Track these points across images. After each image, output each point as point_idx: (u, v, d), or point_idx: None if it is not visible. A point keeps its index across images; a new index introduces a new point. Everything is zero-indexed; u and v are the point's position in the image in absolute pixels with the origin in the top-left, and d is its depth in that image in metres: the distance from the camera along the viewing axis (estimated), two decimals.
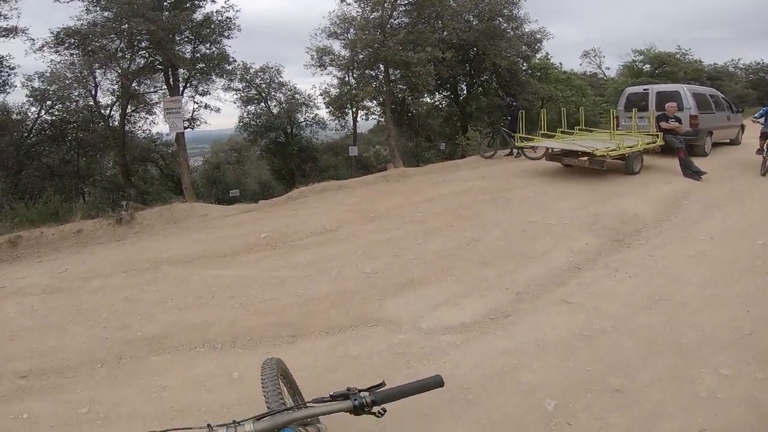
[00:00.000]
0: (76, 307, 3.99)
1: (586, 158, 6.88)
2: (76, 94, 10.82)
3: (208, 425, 0.86)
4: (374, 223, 5.60)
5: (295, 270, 4.45)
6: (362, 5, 11.23)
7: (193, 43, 10.54)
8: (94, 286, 4.47)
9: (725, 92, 12.99)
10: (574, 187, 6.57)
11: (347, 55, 12.03)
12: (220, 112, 12.45)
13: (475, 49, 12.65)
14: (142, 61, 10.34)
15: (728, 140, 9.99)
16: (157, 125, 12.59)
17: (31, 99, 10.61)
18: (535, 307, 3.47)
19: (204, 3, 10.20)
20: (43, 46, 9.17)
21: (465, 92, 14.44)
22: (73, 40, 9.09)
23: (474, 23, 12.49)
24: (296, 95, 13.77)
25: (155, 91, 11.61)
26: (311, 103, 14.00)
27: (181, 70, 10.46)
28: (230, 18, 10.49)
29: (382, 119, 13.34)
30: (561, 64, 17.69)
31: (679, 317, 3.15)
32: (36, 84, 10.45)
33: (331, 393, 0.91)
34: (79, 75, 10.05)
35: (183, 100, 10.67)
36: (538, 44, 13.78)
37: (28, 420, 2.61)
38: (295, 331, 3.37)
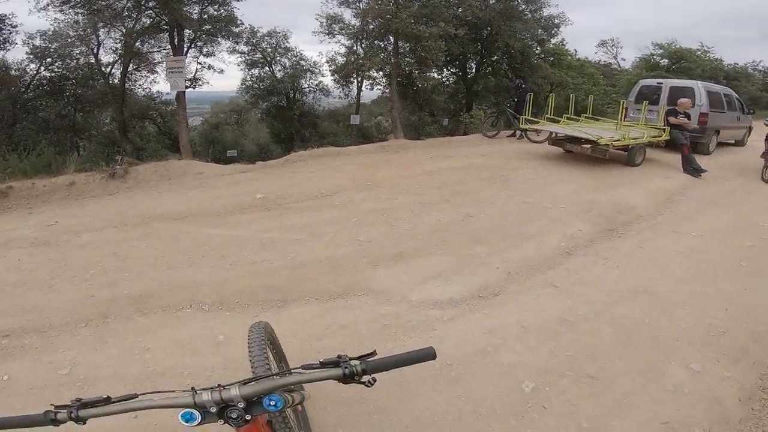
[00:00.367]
0: (63, 262, 3.93)
1: (589, 146, 6.85)
2: (77, 52, 10.55)
3: (192, 388, 0.83)
4: (371, 192, 5.56)
5: (288, 233, 4.42)
6: None
7: (201, 4, 10.17)
8: (83, 241, 4.42)
9: (740, 93, 12.80)
10: (574, 174, 6.55)
11: (357, 24, 11.66)
12: (223, 74, 12.29)
13: (489, 28, 12.27)
14: (148, 21, 10.04)
15: (734, 141, 9.93)
16: (158, 84, 12.41)
17: (31, 56, 10.40)
18: (523, 287, 3.50)
19: None
20: (47, 5, 8.92)
21: (474, 71, 14.15)
22: None
23: (491, 1, 12.06)
24: (302, 61, 13.53)
25: (159, 51, 11.36)
26: (316, 70, 13.78)
27: (187, 31, 10.17)
28: None
29: (387, 90, 13.11)
30: (576, 51, 17.43)
31: (659, 310, 3.19)
32: (37, 42, 10.23)
33: (321, 360, 0.88)
34: (82, 33, 9.79)
35: (186, 60, 10.47)
36: (556, 29, 13.42)
37: (8, 382, 2.54)
38: (284, 295, 3.36)
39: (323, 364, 0.88)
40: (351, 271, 3.68)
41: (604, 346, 2.78)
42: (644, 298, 3.34)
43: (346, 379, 0.85)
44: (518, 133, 9.49)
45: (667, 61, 20.00)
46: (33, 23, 20.58)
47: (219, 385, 0.84)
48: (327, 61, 13.04)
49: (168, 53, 10.59)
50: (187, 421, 0.80)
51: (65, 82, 11.14)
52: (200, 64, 11.60)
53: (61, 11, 9.16)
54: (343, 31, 11.96)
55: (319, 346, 2.73)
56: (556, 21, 13.07)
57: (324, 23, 11.98)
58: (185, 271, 3.73)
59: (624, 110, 8.38)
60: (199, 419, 0.81)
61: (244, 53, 12.76)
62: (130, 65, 11.18)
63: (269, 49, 13.13)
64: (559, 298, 3.34)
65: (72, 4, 8.96)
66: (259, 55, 13.09)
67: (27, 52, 10.29)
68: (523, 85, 9.92)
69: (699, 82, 9.18)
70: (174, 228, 4.64)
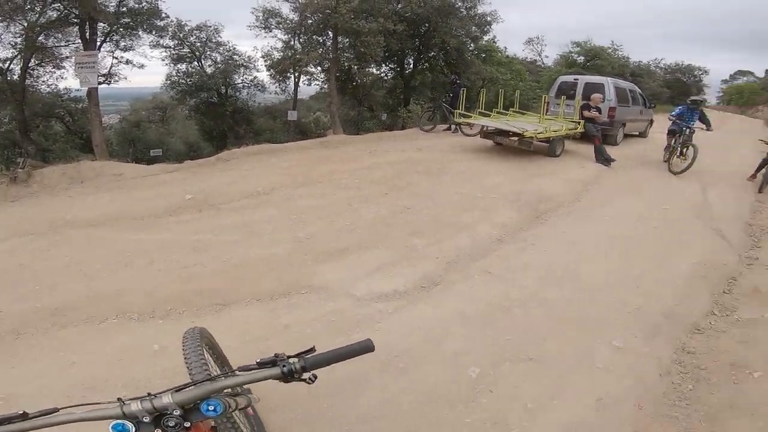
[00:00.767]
0: None
1: (516, 138, 7.29)
2: None
3: (119, 399, 0.78)
4: (309, 188, 5.48)
5: (223, 234, 4.23)
6: None
7: None
8: None
9: (643, 88, 14.32)
10: (503, 165, 6.96)
11: (296, 18, 11.36)
12: (144, 69, 11.32)
13: (427, 24, 12.58)
14: (55, 14, 8.97)
15: (638, 132, 11.14)
16: (66, 80, 11.15)
17: None
18: (461, 276, 3.64)
19: None
20: None
21: (411, 66, 14.42)
22: None
23: None
24: (235, 56, 12.97)
25: (67, 45, 10.14)
26: (251, 65, 13.31)
27: (101, 24, 9.22)
28: None
29: (326, 86, 12.93)
30: (505, 48, 18.37)
31: (583, 291, 3.45)
32: None
33: (258, 360, 0.86)
34: None
35: (100, 55, 9.60)
36: (488, 26, 14.02)
37: None
38: (222, 299, 3.22)
39: (260, 365, 0.86)
40: (292, 269, 3.62)
41: (538, 328, 2.97)
42: (569, 280, 3.62)
43: (286, 377, 0.84)
44: (453, 127, 9.80)
45: (583, 58, 21.89)
46: None
47: (149, 393, 0.80)
48: (262, 56, 12.58)
49: (78, 47, 9.57)
50: None
51: None
52: (116, 58, 10.64)
53: None
54: (281, 26, 11.61)
55: (264, 347, 2.65)
56: (489, 18, 13.66)
57: (260, 17, 11.56)
58: (106, 279, 3.44)
59: (546, 105, 9.00)
60: (133, 430, 0.77)
61: (170, 47, 11.97)
62: (32, 60, 9.95)
63: (198, 44, 12.44)
64: (494, 284, 3.52)
65: None
66: (186, 50, 12.34)
67: None
68: (458, 81, 10.23)
69: (609, 78, 10.08)
70: (89, 234, 4.23)
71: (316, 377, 0.87)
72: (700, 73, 32.39)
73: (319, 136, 10.59)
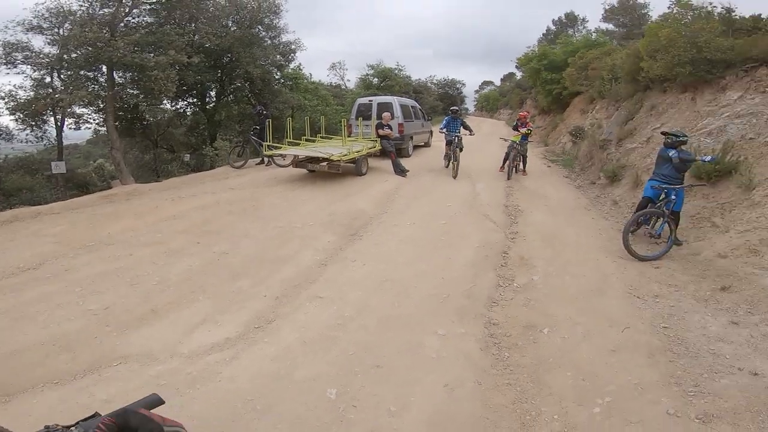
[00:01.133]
0: None
1: (325, 163, 7.75)
2: None
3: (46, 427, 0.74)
4: (96, 254, 4.62)
5: None
6: None
7: None
8: None
9: (423, 103, 17.08)
10: (317, 191, 7.31)
11: (54, 52, 9.24)
12: None
13: (229, 55, 12.08)
14: None
15: (423, 143, 13.33)
16: None
17: None
18: (293, 307, 3.69)
19: None
20: None
21: (214, 99, 13.55)
22: None
23: (232, 29, 11.96)
24: None
25: None
26: None
27: None
28: None
29: (103, 128, 10.92)
30: (311, 74, 19.23)
31: (400, 293, 3.87)
32: None
33: (48, 425, 0.79)
34: None
35: None
36: (293, 54, 14.38)
37: None
38: (3, 391, 2.57)
39: (66, 427, 0.81)
40: (92, 345, 3.08)
41: (374, 336, 3.21)
42: (388, 286, 4.01)
43: None
44: (266, 160, 9.71)
45: (377, 80, 24.81)
46: None
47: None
48: (2, 97, 9.76)
49: None
50: None
51: None
52: None
53: None
54: (30, 61, 9.28)
55: None
56: (293, 47, 14.07)
57: (0, 52, 8.99)
58: None
59: (348, 127, 9.78)
60: None
61: None
62: None
63: None
64: (326, 306, 3.67)
65: None
66: None
67: None
68: (264, 111, 10.03)
69: (395, 97, 11.60)
70: None
71: None
72: (461, 85, 41.14)
73: (103, 189, 8.90)
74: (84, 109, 10.41)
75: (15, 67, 9.39)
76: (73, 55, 9.37)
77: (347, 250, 5.02)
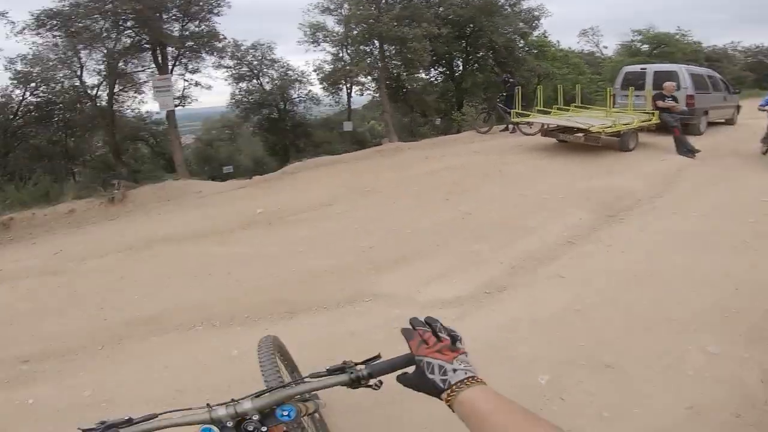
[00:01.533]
0: (73, 289, 3.96)
1: (581, 135, 6.92)
2: (60, 75, 10.50)
3: (207, 404, 0.83)
4: (369, 198, 5.60)
5: (290, 246, 4.44)
6: None
7: (181, 21, 10.21)
8: (89, 267, 4.46)
9: (723, 74, 12.90)
10: (569, 163, 6.58)
11: (341, 30, 11.75)
12: (212, 90, 12.30)
13: (471, 25, 12.43)
14: (129, 41, 10.04)
15: (724, 120, 10.02)
16: (147, 104, 12.37)
17: (15, 81, 10.28)
18: (529, 281, 3.49)
19: None
20: (23, 29, 8.96)
21: (461, 68, 14.22)
22: (54, 22, 8.86)
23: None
24: (289, 71, 13.59)
25: (143, 70, 11.32)
26: (304, 80, 13.84)
27: (169, 48, 10.17)
28: None
29: (377, 95, 13.14)
30: (558, 41, 17.51)
31: (669, 294, 3.15)
32: (19, 67, 10.12)
33: (328, 367, 0.88)
34: (63, 56, 9.79)
35: (172, 78, 10.46)
36: (536, 21, 13.65)
37: (33, 406, 2.57)
38: (292, 307, 3.37)
39: (330, 371, 0.88)
40: (356, 279, 3.70)
41: (617, 333, 2.75)
42: (653, 282, 3.31)
43: (353, 384, 0.85)
44: (511, 127, 9.50)
45: (647, 46, 20.17)
46: (12, 47, 19.61)
47: (233, 399, 0.85)
48: (314, 70, 13.12)
49: (153, 72, 10.58)
50: None
51: (52, 106, 11.05)
52: (187, 81, 11.62)
53: (38, 34, 9.19)
54: (328, 39, 12.05)
55: (331, 354, 2.67)
56: (536, 13, 13.25)
57: (308, 32, 12.08)
58: (194, 290, 3.75)
59: (611, 97, 8.45)
60: None
61: (230, 68, 12.79)
62: (116, 86, 11.11)
63: (255, 62, 13.15)
64: (566, 288, 3.32)
65: (48, 27, 8.98)
66: (245, 69, 13.11)
67: (10, 77, 10.21)
68: (511, 79, 9.95)
69: (682, 65, 9.31)
70: (178, 249, 4.67)
71: (381, 383, 0.87)
72: None
73: (375, 145, 10.79)
74: (364, 79, 12.80)
75: (318, 45, 12.29)
76: (354, 32, 11.40)
77: (602, 232, 4.33)
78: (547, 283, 3.42)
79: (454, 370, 0.68)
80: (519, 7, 13.02)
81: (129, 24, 9.55)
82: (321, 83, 13.23)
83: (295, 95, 13.93)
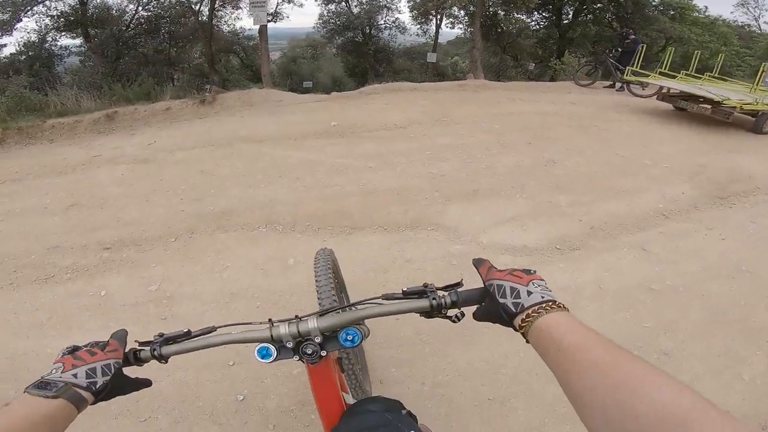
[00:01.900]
0: (159, 178, 4.26)
1: (709, 106, 5.95)
2: None
3: (270, 320, 0.76)
4: (446, 128, 5.31)
5: (361, 160, 4.41)
6: None
7: None
8: (176, 158, 4.78)
9: None
10: (682, 133, 5.70)
11: None
12: (303, 8, 12.51)
13: None
14: None
15: None
16: (241, 20, 13.35)
17: None
18: (607, 246, 3.16)
19: None
20: None
21: (570, 17, 13.01)
22: None
23: None
24: None
25: None
26: (393, 6, 13.61)
27: None
28: None
29: (469, 30, 12.21)
30: (706, 7, 14.93)
31: (759, 294, 2.73)
32: None
33: (404, 289, 0.76)
34: None
35: None
36: None
37: (105, 297, 2.67)
38: (353, 222, 3.36)
39: (407, 294, 0.76)
40: (422, 204, 3.58)
41: (687, 322, 2.47)
42: (745, 279, 2.87)
43: (432, 312, 0.74)
44: (618, 85, 8.65)
45: None
46: None
47: (296, 316, 0.76)
48: None
49: None
50: (263, 357, 0.74)
51: (160, 20, 12.29)
52: None
53: None
54: None
55: (383, 278, 2.71)
56: None
57: None
58: (263, 190, 3.89)
59: (761, 74, 7.08)
60: (275, 355, 0.74)
61: None
62: (217, 2, 11.81)
63: None
64: (647, 263, 2.98)
65: None
66: None
67: None
68: (632, 36, 8.86)
69: None
70: (255, 149, 4.84)
71: (463, 315, 0.74)
72: None
73: (456, 80, 10.16)
74: (458, 12, 11.88)
75: None
76: None
77: (705, 213, 3.75)
78: (627, 254, 3.08)
79: (529, 293, 0.59)
80: None
81: None
82: (411, 11, 12.66)
83: (381, 21, 13.83)
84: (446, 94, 7.04)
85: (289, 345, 0.74)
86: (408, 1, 12.58)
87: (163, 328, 2.05)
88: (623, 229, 3.39)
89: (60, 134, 6.07)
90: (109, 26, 11.54)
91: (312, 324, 0.74)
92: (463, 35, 14.37)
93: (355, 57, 14.02)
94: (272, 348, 0.74)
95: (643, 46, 7.82)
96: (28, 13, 10.61)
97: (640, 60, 7.53)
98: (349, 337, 0.75)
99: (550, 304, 0.56)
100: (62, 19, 11.00)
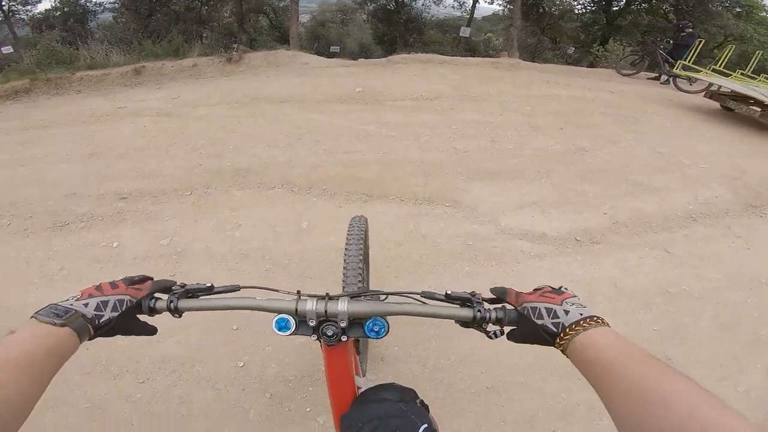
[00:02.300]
0: (181, 131, 4.26)
1: (758, 109, 5.63)
2: None
3: (298, 292, 0.71)
4: (474, 104, 5.15)
5: (383, 128, 4.32)
6: None
7: None
8: (199, 114, 4.78)
9: None
10: (726, 134, 5.38)
11: None
12: None
13: None
14: None
15: None
16: None
17: None
18: (629, 243, 3.03)
19: None
20: None
21: (623, 4, 12.46)
22: None
23: None
24: None
25: None
26: None
27: None
28: None
29: (509, 6, 11.66)
30: None
31: None
32: None
33: (448, 292, 0.70)
34: None
35: None
36: None
37: (116, 249, 2.65)
38: (370, 190, 3.30)
39: (449, 298, 0.70)
40: (442, 179, 3.49)
41: (697, 329, 2.39)
42: (764, 291, 2.73)
43: (472, 323, 0.67)
44: (664, 77, 8.29)
45: None
46: None
47: (327, 294, 0.70)
48: None
49: None
50: (280, 329, 0.69)
51: None
52: None
53: None
54: None
55: (396, 252, 2.66)
56: None
57: None
58: (282, 151, 3.84)
59: None
60: (293, 329, 0.69)
61: None
62: None
63: None
64: (668, 265, 2.86)
65: None
66: None
67: None
68: (689, 29, 8.43)
69: None
70: (277, 110, 4.79)
71: (503, 333, 0.68)
72: None
73: (488, 56, 9.80)
74: None
75: None
76: None
77: (735, 220, 3.55)
78: (648, 253, 2.95)
79: (566, 312, 0.60)
80: None
81: None
82: None
83: None
84: (477, 70, 6.79)
85: (312, 323, 0.69)
86: None
87: None
88: (648, 228, 3.24)
89: (87, 86, 6.14)
90: None
91: (342, 306, 0.68)
92: (501, 12, 13.80)
93: (385, 25, 13.71)
94: (292, 321, 0.69)
95: (700, 41, 7.52)
96: None
97: (695, 55, 7.22)
98: (376, 328, 0.70)
99: (588, 320, 0.57)
100: None
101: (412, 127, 4.36)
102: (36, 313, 0.54)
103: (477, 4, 12.62)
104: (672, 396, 0.41)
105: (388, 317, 0.70)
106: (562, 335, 0.57)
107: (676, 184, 3.87)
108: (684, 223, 3.39)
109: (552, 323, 0.59)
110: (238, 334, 2.08)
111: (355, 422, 0.70)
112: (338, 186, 3.34)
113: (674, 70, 7.48)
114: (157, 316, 0.69)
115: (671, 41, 8.59)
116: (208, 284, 0.72)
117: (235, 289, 0.74)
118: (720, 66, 7.12)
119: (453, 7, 13.74)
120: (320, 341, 0.71)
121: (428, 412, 0.75)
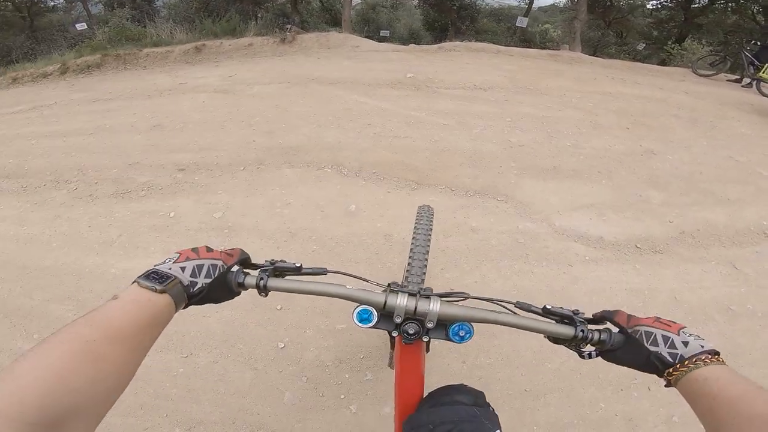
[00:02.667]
0: (236, 108, 4.38)
1: None
2: None
3: (389, 285, 0.69)
4: (531, 97, 4.91)
5: (435, 116, 4.22)
6: None
7: None
8: (253, 92, 4.89)
9: None
10: None
11: None
12: None
13: None
14: None
15: None
16: None
17: None
18: (693, 255, 2.81)
19: None
20: None
21: (705, 2, 11.57)
22: None
23: None
24: None
25: None
26: None
27: None
28: None
29: None
30: None
31: None
32: None
33: (547, 306, 0.67)
34: None
35: None
36: None
37: (173, 220, 2.75)
38: (419, 177, 3.24)
39: (548, 313, 0.66)
40: (494, 172, 3.36)
41: (751, 349, 2.21)
42: None
43: (571, 342, 0.63)
44: (746, 80, 7.59)
45: None
46: None
47: (419, 292, 0.67)
48: None
49: None
50: (361, 321, 0.66)
51: None
52: None
53: None
54: None
55: (444, 244, 2.59)
56: None
57: None
58: (333, 132, 3.85)
59: None
60: (374, 322, 0.66)
61: None
62: None
63: None
64: (734, 282, 2.64)
65: None
66: None
67: None
68: None
69: None
70: (328, 91, 4.80)
71: (598, 354, 0.64)
72: None
73: (545, 48, 9.34)
74: None
75: None
76: None
77: None
78: (713, 267, 2.73)
79: (685, 343, 0.57)
80: None
81: None
82: None
83: None
84: (534, 62, 6.48)
85: (398, 320, 0.65)
86: None
87: None
88: (716, 241, 2.99)
89: (152, 62, 6.45)
90: None
91: (434, 306, 0.64)
92: (563, 3, 13.09)
93: (437, 11, 13.33)
94: (375, 315, 0.66)
95: None
96: None
97: None
98: (462, 333, 0.66)
99: (709, 357, 0.55)
100: None
101: (464, 116, 4.22)
102: (138, 277, 0.54)
103: None
104: None
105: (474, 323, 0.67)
106: (678, 366, 0.55)
107: (750, 196, 3.53)
108: (756, 239, 3.10)
109: (668, 353, 0.56)
110: (280, 314, 2.10)
111: (425, 423, 0.67)
112: (387, 171, 3.30)
113: (760, 73, 6.87)
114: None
115: (758, 43, 7.88)
116: (297, 264, 0.70)
117: (322, 272, 0.72)
118: None
119: None
120: (395, 337, 0.68)
121: (497, 419, 0.71)
